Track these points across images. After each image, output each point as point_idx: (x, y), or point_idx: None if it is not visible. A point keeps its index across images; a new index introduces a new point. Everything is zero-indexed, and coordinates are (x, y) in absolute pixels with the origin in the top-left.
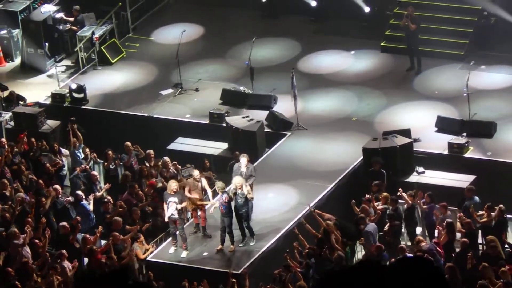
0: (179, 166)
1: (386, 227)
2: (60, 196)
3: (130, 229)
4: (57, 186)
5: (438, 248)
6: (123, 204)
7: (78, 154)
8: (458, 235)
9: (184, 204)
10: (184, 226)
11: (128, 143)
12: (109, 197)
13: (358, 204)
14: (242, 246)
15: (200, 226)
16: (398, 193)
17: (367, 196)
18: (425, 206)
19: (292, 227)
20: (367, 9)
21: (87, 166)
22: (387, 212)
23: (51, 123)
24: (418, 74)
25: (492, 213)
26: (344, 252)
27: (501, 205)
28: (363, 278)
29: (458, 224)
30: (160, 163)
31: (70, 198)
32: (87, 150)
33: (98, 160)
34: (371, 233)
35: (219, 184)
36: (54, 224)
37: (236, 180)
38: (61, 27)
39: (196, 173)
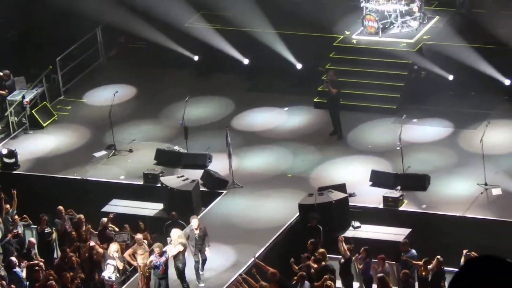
0: (117, 229)
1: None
2: None
3: None
4: None
5: None
6: (52, 273)
7: (10, 220)
8: None
9: (122, 265)
10: None
11: (61, 208)
12: (41, 263)
13: (296, 262)
14: None
15: None
16: (339, 237)
17: (305, 254)
18: (360, 266)
19: (229, 286)
20: (299, 66)
21: (19, 231)
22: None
23: None
24: (340, 139)
25: (429, 266)
26: None
27: (438, 256)
28: None
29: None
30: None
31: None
32: (16, 217)
33: (27, 222)
34: None
35: (160, 245)
36: None
37: (172, 234)
38: None
39: (139, 236)
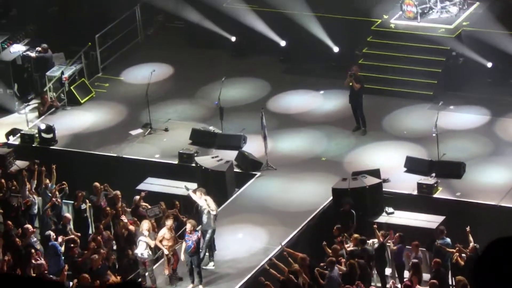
0: (147, 205)
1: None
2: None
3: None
4: (29, 226)
5: None
6: (94, 244)
7: (49, 194)
8: (427, 276)
9: (153, 243)
10: (154, 267)
11: (97, 184)
12: (76, 239)
13: (329, 245)
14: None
15: (172, 268)
16: (375, 225)
17: (339, 238)
18: (395, 247)
19: (261, 268)
20: (336, 49)
21: (58, 200)
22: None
23: (20, 164)
24: (365, 135)
25: (463, 254)
26: None
27: (476, 244)
28: None
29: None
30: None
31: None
32: (55, 186)
33: (64, 191)
34: (335, 279)
35: (193, 222)
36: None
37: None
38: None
39: (169, 222)
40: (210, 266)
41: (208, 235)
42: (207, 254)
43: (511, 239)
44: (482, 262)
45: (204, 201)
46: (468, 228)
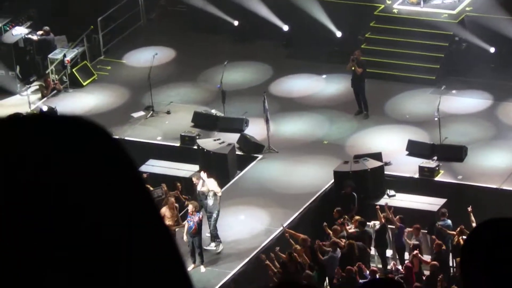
0: (150, 187)
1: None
2: None
3: None
4: None
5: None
6: None
7: None
8: (428, 257)
9: None
10: None
11: None
12: None
13: (330, 227)
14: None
15: None
16: (377, 206)
17: (339, 220)
18: (398, 224)
19: (262, 249)
20: (339, 34)
21: None
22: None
23: None
24: (367, 118)
25: (464, 236)
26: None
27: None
28: None
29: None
30: None
31: None
32: None
33: None
34: (337, 259)
35: (194, 203)
36: None
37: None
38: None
39: (171, 200)
40: (212, 246)
41: (213, 217)
42: (209, 235)
43: (503, 220)
44: (470, 244)
45: (212, 183)
46: (470, 208)
